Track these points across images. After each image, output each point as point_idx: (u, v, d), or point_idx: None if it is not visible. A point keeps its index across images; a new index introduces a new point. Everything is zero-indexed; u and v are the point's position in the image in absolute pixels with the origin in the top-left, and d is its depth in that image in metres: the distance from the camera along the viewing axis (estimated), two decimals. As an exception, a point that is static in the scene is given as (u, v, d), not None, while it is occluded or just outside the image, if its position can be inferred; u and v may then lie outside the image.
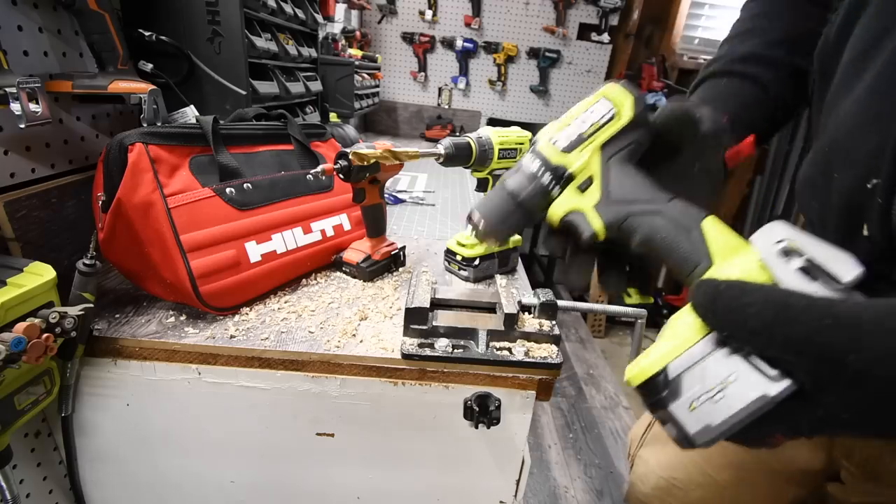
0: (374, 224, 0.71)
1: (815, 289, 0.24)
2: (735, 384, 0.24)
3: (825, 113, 0.41)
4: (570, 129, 0.31)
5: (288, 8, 1.00)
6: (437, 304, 0.59)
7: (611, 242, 0.32)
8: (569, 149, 0.31)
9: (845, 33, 0.39)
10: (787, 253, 0.26)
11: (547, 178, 0.31)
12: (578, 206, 0.31)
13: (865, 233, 0.36)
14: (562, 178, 0.31)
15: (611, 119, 0.31)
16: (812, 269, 0.25)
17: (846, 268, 0.24)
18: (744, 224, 2.63)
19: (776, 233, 0.27)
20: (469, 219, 0.35)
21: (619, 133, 0.31)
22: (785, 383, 0.23)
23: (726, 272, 0.27)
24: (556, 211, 0.32)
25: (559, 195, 0.31)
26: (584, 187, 0.31)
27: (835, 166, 0.39)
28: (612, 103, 0.32)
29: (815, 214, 0.42)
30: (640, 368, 0.27)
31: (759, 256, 0.26)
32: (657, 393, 0.26)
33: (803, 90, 0.47)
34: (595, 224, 0.31)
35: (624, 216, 0.30)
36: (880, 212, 0.34)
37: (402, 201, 1.16)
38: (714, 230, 0.30)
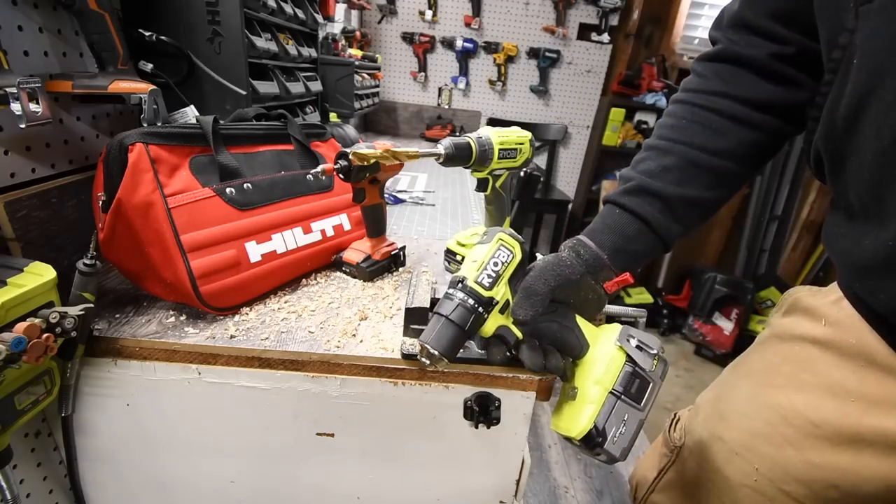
0: (374, 224, 0.71)
1: (643, 358, 0.46)
2: (628, 419, 0.44)
3: (866, 192, 0.41)
4: (487, 270, 0.44)
5: (288, 8, 1.00)
6: (437, 304, 0.59)
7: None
8: (491, 286, 0.43)
9: (855, 118, 0.40)
10: (629, 337, 0.47)
11: (481, 309, 0.43)
12: (504, 322, 0.45)
13: None
14: (489, 306, 0.43)
15: (510, 260, 0.44)
16: (641, 345, 0.47)
17: (655, 343, 0.47)
18: (744, 223, 2.63)
19: (624, 330, 0.47)
20: (421, 352, 0.43)
21: (517, 268, 0.45)
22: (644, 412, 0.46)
23: (600, 351, 0.46)
24: (488, 329, 0.45)
25: (488, 318, 0.44)
26: (503, 310, 0.45)
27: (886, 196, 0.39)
28: (510, 248, 0.45)
29: (855, 254, 0.44)
30: (581, 427, 0.43)
31: (615, 339, 0.46)
32: (595, 439, 0.43)
33: (697, 211, 0.53)
34: (517, 332, 0.46)
35: (533, 325, 0.46)
36: None
37: (402, 201, 1.16)
38: (584, 326, 0.47)
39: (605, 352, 0.46)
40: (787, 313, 0.55)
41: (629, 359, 0.45)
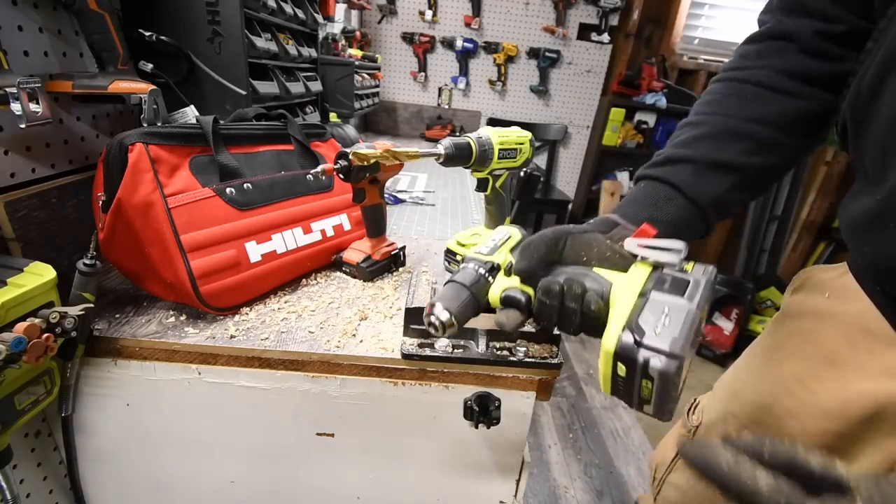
0: (374, 224, 0.71)
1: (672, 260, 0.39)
2: (670, 311, 0.35)
3: (877, 156, 0.42)
4: (487, 244, 0.46)
5: (288, 8, 1.00)
6: (437, 304, 0.59)
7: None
8: (490, 252, 0.45)
9: (879, 84, 0.40)
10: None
11: (483, 270, 0.43)
12: (510, 284, 0.43)
13: None
14: (492, 269, 0.44)
15: (508, 238, 0.47)
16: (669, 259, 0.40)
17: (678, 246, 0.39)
18: (743, 223, 2.62)
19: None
20: (430, 312, 0.41)
21: (517, 243, 0.46)
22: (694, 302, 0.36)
23: (628, 280, 0.39)
24: (495, 292, 0.43)
25: (493, 282, 0.43)
26: (508, 271, 0.44)
27: (889, 167, 0.40)
28: (507, 231, 0.47)
29: (880, 244, 0.43)
30: (614, 334, 0.35)
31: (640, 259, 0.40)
32: (633, 339, 0.34)
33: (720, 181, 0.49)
34: (528, 290, 0.43)
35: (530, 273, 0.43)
36: None
37: (402, 201, 1.16)
38: (606, 273, 0.41)
39: (630, 276, 0.39)
40: (797, 291, 0.57)
41: (656, 265, 0.39)
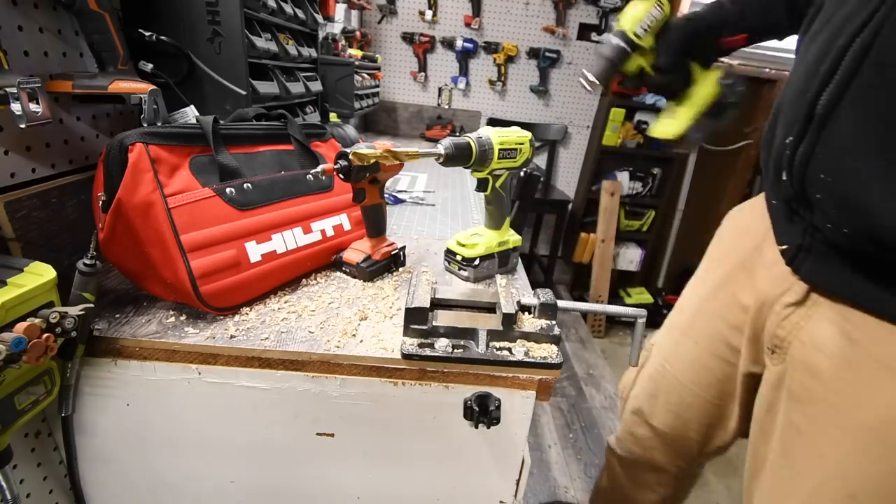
0: (374, 224, 0.71)
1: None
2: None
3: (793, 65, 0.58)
4: (643, 24, 0.65)
5: (288, 8, 1.00)
6: (437, 304, 0.59)
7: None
8: (642, 36, 0.65)
9: (813, 16, 0.54)
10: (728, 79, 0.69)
11: (630, 49, 0.65)
12: (642, 63, 0.67)
13: (784, 178, 0.51)
14: (637, 49, 0.65)
15: (661, 16, 0.66)
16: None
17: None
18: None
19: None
20: (584, 79, 0.65)
21: (664, 23, 0.67)
22: None
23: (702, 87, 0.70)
24: (632, 66, 0.67)
25: (633, 57, 0.66)
26: (645, 54, 0.67)
27: (777, 122, 0.54)
28: (661, 5, 0.65)
29: (763, 163, 0.59)
30: (677, 128, 0.70)
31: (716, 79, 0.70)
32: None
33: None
34: (651, 72, 0.69)
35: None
36: (789, 161, 0.49)
37: (402, 201, 1.16)
38: (697, 71, 0.70)
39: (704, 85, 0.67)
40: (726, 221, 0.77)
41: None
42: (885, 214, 0.41)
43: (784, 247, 0.55)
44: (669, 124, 0.69)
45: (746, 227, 0.68)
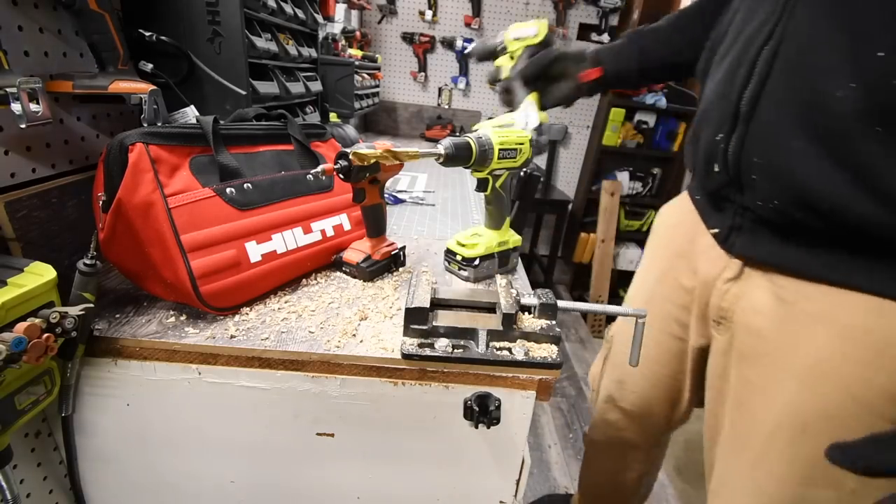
0: (374, 224, 0.71)
1: None
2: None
3: (704, 87, 0.67)
4: (520, 31, 0.79)
5: (288, 8, 1.00)
6: (437, 304, 0.59)
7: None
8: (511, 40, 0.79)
9: (718, 42, 0.65)
10: None
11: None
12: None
13: (716, 169, 0.60)
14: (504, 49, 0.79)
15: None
16: None
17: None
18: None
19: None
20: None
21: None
22: None
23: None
24: (498, 62, 0.80)
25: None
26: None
27: (702, 127, 0.63)
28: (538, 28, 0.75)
29: (691, 160, 0.68)
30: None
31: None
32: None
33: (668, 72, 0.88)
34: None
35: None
36: (723, 154, 0.58)
37: (402, 201, 1.16)
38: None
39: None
40: (658, 216, 0.88)
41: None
42: (811, 176, 0.50)
43: (716, 230, 0.65)
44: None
45: (678, 222, 0.78)
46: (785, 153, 0.51)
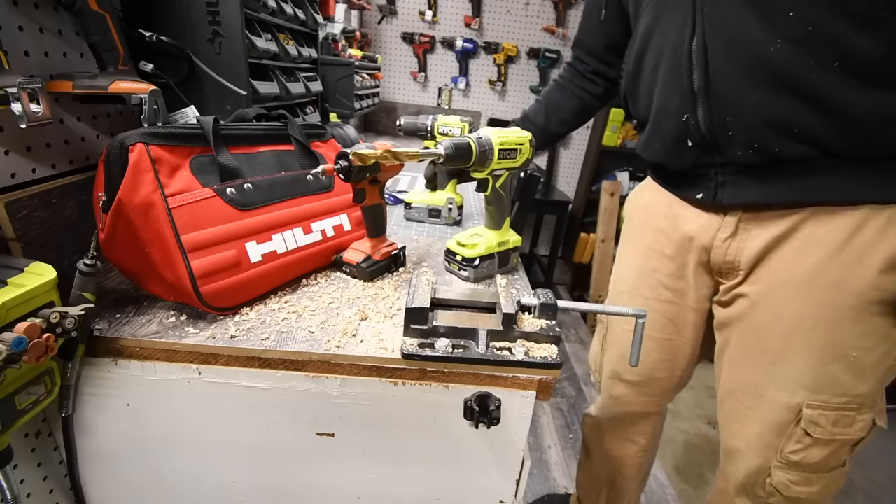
0: (375, 224, 0.71)
1: None
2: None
3: (642, 100, 0.78)
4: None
5: (288, 8, 1.00)
6: (438, 304, 0.59)
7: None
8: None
9: (639, 58, 0.77)
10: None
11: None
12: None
13: (689, 144, 0.70)
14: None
15: None
16: None
17: None
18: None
19: None
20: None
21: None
22: None
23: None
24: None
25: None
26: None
27: (661, 122, 0.73)
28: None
29: (655, 153, 0.78)
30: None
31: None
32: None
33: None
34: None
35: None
36: (695, 129, 0.68)
37: (402, 201, 1.16)
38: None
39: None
40: (628, 203, 0.97)
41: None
42: (777, 113, 0.60)
43: (699, 195, 0.74)
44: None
45: (650, 202, 0.87)
46: (750, 105, 0.62)
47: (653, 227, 0.85)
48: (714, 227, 0.74)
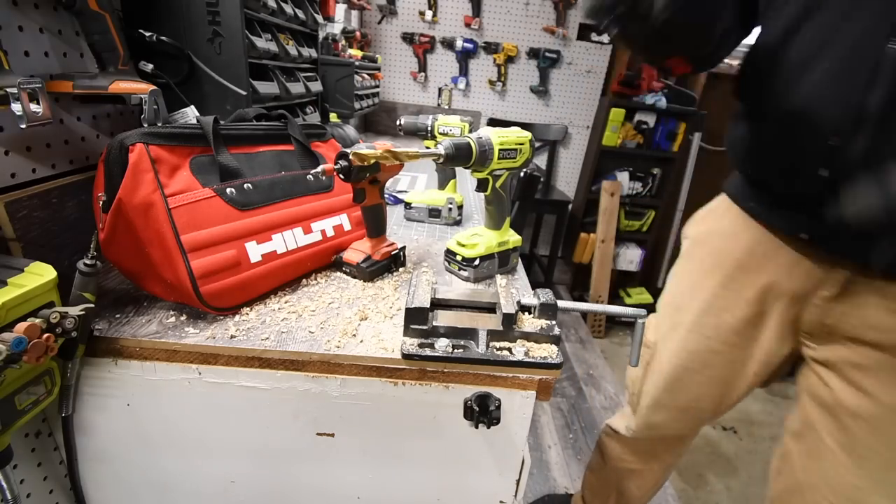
0: (375, 224, 0.71)
1: None
2: None
3: (775, 96, 0.60)
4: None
5: (288, 8, 1.00)
6: (437, 304, 0.59)
7: None
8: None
9: (790, 36, 0.57)
10: None
11: None
12: None
13: (823, 174, 0.56)
14: None
15: None
16: None
17: None
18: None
19: None
20: None
21: None
22: None
23: None
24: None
25: None
26: None
27: (793, 128, 0.58)
28: None
29: (776, 167, 0.63)
30: None
31: None
32: None
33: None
34: None
35: None
36: (841, 160, 0.53)
37: (402, 201, 1.16)
38: None
39: None
40: (696, 225, 0.85)
41: None
42: None
43: (804, 236, 0.62)
44: None
45: (731, 232, 0.75)
46: None
47: (733, 261, 0.74)
48: (814, 278, 0.63)
